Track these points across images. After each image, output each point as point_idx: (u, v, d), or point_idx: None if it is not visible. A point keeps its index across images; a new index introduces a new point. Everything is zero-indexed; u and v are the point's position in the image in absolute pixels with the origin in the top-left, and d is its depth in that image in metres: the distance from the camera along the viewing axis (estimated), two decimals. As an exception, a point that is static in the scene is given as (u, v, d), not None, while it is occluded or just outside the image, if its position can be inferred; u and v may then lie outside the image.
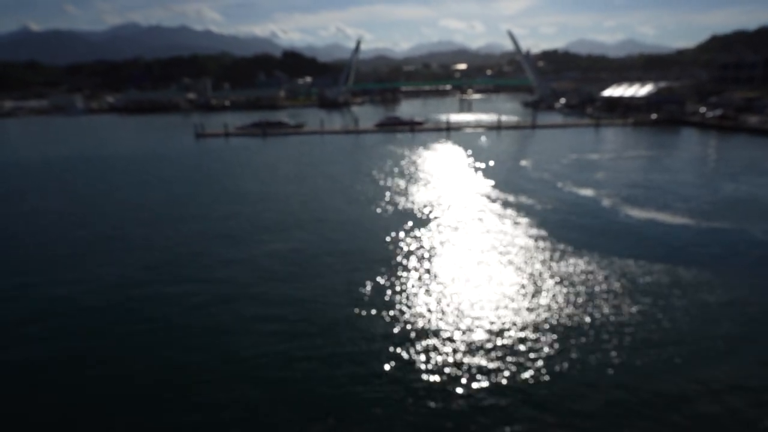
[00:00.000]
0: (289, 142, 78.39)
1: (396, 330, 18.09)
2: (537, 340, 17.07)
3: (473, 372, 15.41)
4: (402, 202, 36.86)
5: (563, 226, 29.87)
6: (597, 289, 20.99)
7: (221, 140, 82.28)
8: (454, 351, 16.57)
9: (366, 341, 17.42)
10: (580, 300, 20.00)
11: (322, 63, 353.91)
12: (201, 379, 15.54)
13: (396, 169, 50.35)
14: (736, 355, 16.08)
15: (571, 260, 24.13)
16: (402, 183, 43.68)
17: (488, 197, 37.53)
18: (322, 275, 23.31)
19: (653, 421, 13.15)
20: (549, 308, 19.37)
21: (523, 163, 52.89)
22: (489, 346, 16.81)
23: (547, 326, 18.01)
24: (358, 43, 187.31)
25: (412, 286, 21.78)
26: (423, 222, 31.48)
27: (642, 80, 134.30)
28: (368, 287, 21.78)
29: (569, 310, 19.18)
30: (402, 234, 29.08)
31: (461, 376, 15.22)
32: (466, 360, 16.04)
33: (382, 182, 44.17)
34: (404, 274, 23.17)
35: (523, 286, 21.43)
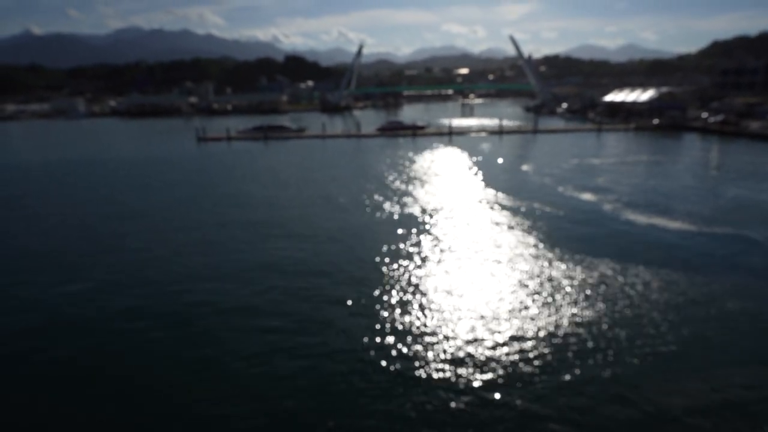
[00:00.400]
0: (291, 146, 78.47)
1: (395, 331, 18.00)
2: (535, 344, 16.99)
3: (472, 376, 15.32)
4: (403, 206, 36.81)
5: (564, 230, 29.80)
6: (596, 293, 20.91)
7: (223, 144, 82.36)
8: (454, 354, 16.48)
9: (366, 344, 17.34)
10: (579, 304, 19.92)
11: (324, 67, 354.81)
12: (193, 388, 15.46)
13: (397, 174, 50.33)
14: (738, 360, 15.98)
15: (571, 265, 24.05)
16: (403, 188, 43.65)
17: (489, 202, 37.47)
18: (321, 280, 23.21)
19: (651, 423, 13.10)
20: (548, 312, 19.29)
21: (525, 167, 52.87)
22: (488, 349, 16.71)
23: (546, 330, 17.93)
24: (360, 47, 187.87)
25: (412, 291, 21.70)
26: (424, 226, 31.43)
27: (644, 85, 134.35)
28: (368, 292, 21.68)
29: (569, 314, 19.09)
30: (403, 238, 29.00)
31: (461, 379, 15.14)
32: (465, 364, 15.95)
33: (383, 187, 44.13)
34: (404, 278, 23.08)
35: (522, 291, 21.34)
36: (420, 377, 15.56)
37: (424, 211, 35.42)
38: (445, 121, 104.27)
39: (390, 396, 14.71)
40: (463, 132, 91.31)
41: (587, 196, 38.62)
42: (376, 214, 34.87)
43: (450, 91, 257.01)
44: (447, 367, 16.04)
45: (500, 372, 15.66)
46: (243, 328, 19.00)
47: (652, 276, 22.61)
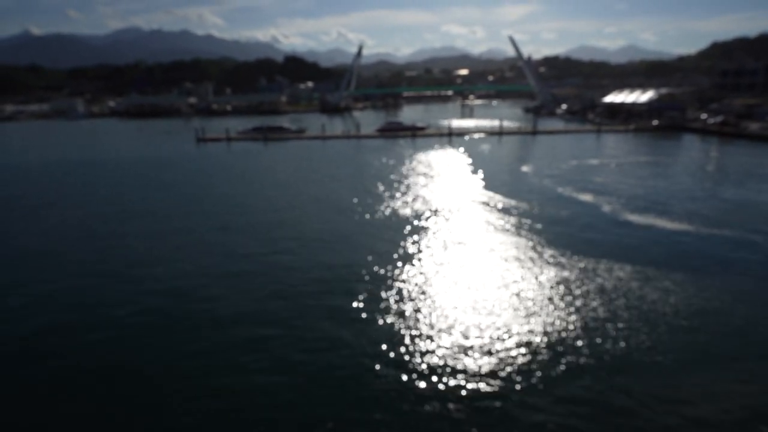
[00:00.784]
0: (291, 147, 78.44)
1: (395, 333, 18.00)
2: (534, 345, 16.99)
3: (470, 377, 15.31)
4: (402, 207, 36.80)
5: (563, 231, 29.81)
6: (594, 293, 20.91)
7: (222, 145, 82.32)
8: (451, 355, 16.47)
9: (365, 345, 17.33)
10: (577, 305, 19.92)
11: (324, 68, 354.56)
12: (190, 389, 15.45)
13: (397, 175, 50.31)
14: (735, 360, 15.98)
15: (570, 265, 24.04)
16: (403, 189, 43.63)
17: (489, 203, 37.46)
18: (321, 281, 23.21)
19: (649, 425, 13.09)
20: (547, 313, 19.29)
21: (524, 168, 52.87)
22: (487, 351, 16.70)
23: (544, 330, 17.94)
24: (360, 48, 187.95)
25: (411, 292, 21.68)
26: (423, 227, 31.41)
27: (643, 86, 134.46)
28: (367, 294, 21.68)
29: (567, 314, 19.09)
30: (401, 239, 28.99)
31: (460, 380, 15.12)
32: (463, 365, 15.94)
33: (382, 188, 44.11)
34: (403, 278, 23.07)
35: (521, 291, 21.34)
36: (419, 378, 15.54)
37: (423, 212, 35.39)
38: (445, 122, 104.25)
39: (388, 396, 14.69)
40: (462, 133, 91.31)
41: (586, 197, 38.62)
42: (375, 216, 34.84)
43: (450, 92, 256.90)
44: (444, 368, 16.02)
45: (498, 372, 15.64)
46: (242, 328, 18.98)
47: (651, 276, 22.60)
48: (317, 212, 36.17)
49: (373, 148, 74.48)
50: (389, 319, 19.34)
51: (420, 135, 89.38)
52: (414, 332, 18.32)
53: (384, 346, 17.39)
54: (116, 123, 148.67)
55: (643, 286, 21.67)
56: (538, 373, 15.58)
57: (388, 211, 35.77)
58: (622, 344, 17.08)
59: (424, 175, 50.39)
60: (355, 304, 20.71)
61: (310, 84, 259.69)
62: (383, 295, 21.57)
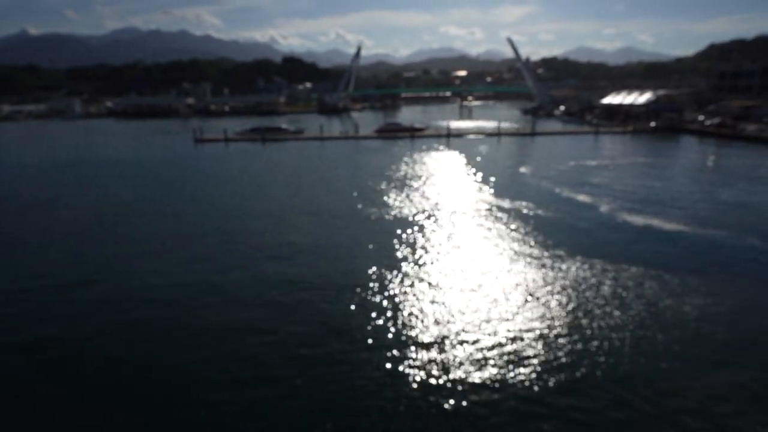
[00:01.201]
0: (289, 148, 78.38)
1: (394, 334, 17.98)
2: (531, 346, 16.99)
3: (469, 377, 15.30)
4: (401, 208, 36.79)
5: (560, 231, 29.84)
6: (592, 294, 20.94)
7: (220, 146, 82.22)
8: (450, 355, 16.46)
9: (364, 347, 17.31)
10: (574, 305, 19.94)
11: (322, 69, 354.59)
12: (188, 390, 15.42)
13: (395, 176, 50.31)
14: (730, 362, 15.99)
15: (567, 265, 24.06)
16: (401, 190, 43.62)
17: (487, 203, 37.48)
18: (318, 283, 23.17)
19: (648, 423, 13.11)
20: (544, 313, 19.30)
21: (522, 169, 52.91)
22: (485, 351, 16.70)
23: (541, 331, 17.94)
24: (358, 48, 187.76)
25: (410, 292, 21.67)
26: (421, 229, 31.40)
27: (641, 88, 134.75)
28: (365, 294, 21.66)
29: (564, 315, 19.10)
30: (400, 239, 28.98)
31: (457, 380, 15.11)
32: (461, 364, 15.92)
33: (380, 189, 44.10)
34: (401, 280, 23.07)
35: (519, 291, 21.35)
36: (417, 378, 15.53)
37: (421, 213, 35.39)
38: (443, 123, 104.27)
39: (387, 397, 14.68)
40: (461, 134, 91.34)
41: (584, 198, 38.67)
42: (373, 217, 34.83)
43: (448, 93, 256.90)
44: (443, 368, 16.01)
45: (496, 372, 15.63)
46: (241, 329, 18.96)
47: (648, 277, 22.64)
48: (316, 213, 36.12)
49: (372, 148, 74.48)
50: (387, 321, 19.32)
51: (418, 136, 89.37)
52: (412, 333, 18.31)
53: (383, 347, 17.38)
54: (114, 123, 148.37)
55: (640, 287, 21.70)
56: (536, 373, 15.57)
57: (385, 213, 35.75)
58: (618, 345, 17.09)
59: (423, 176, 50.39)
60: (350, 308, 20.68)
61: (308, 85, 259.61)
62: (380, 296, 21.54)
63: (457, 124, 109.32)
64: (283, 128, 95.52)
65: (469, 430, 13.32)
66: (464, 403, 14.34)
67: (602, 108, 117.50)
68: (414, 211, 35.94)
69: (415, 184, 45.83)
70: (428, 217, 34.06)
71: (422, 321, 19.21)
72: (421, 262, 25.51)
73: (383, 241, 28.87)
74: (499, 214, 34.39)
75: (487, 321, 19.00)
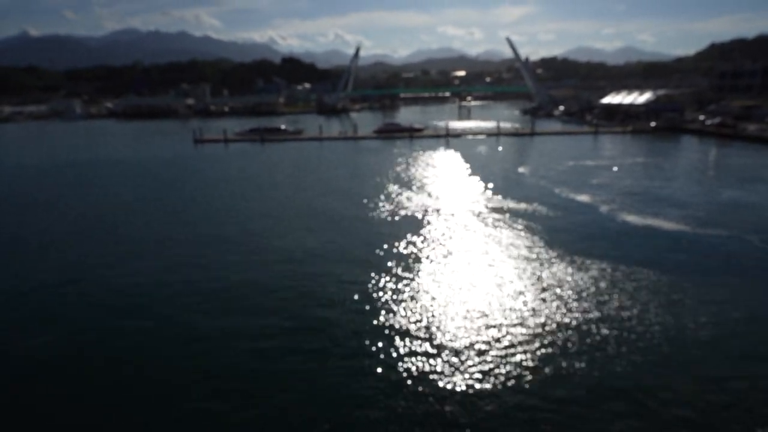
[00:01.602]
0: (288, 148, 78.25)
1: (394, 334, 17.84)
2: (528, 345, 16.86)
3: (467, 376, 15.16)
4: (400, 208, 36.64)
5: (560, 231, 29.71)
6: (590, 294, 20.83)
7: (220, 146, 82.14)
8: (449, 355, 16.32)
9: (364, 347, 17.17)
10: (574, 305, 19.81)
11: (321, 69, 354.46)
12: (186, 389, 15.25)
13: (394, 176, 50.17)
14: (731, 362, 15.85)
15: (566, 265, 23.92)
16: (400, 190, 43.48)
17: (485, 203, 37.32)
18: (316, 284, 23.04)
19: (646, 423, 12.99)
20: (541, 313, 19.19)
21: (521, 169, 52.77)
22: (483, 350, 16.56)
23: (538, 331, 17.85)
24: (357, 49, 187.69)
25: (409, 292, 21.53)
26: (420, 228, 31.26)
27: (641, 88, 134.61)
28: (365, 294, 21.54)
29: (563, 314, 18.97)
30: (399, 240, 28.84)
31: (455, 380, 14.97)
32: (462, 365, 15.78)
33: (379, 189, 43.96)
34: (401, 280, 22.92)
35: (517, 291, 21.26)
36: (416, 379, 15.38)
37: (420, 213, 35.26)
38: (443, 124, 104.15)
39: (387, 397, 14.53)
40: (460, 134, 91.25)
41: (583, 198, 38.52)
42: (371, 216, 34.70)
43: (447, 94, 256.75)
44: (442, 368, 15.86)
45: (495, 372, 15.50)
46: (240, 329, 18.83)
47: (647, 276, 22.53)
48: (315, 214, 35.98)
49: (371, 149, 74.36)
50: (386, 321, 19.17)
51: (417, 136, 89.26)
52: (411, 333, 18.16)
53: (383, 347, 17.23)
54: (113, 124, 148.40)
55: (639, 287, 21.56)
56: (533, 373, 15.44)
57: (383, 213, 35.60)
58: (619, 342, 16.99)
59: (421, 176, 50.25)
60: (354, 298, 20.58)
61: (307, 85, 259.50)
62: (379, 296, 21.41)
63: (456, 125, 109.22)
64: (282, 129, 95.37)
65: (468, 429, 13.18)
66: (463, 403, 14.19)
67: (602, 108, 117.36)
68: (412, 211, 35.78)
69: (414, 185, 45.67)
70: (427, 218, 33.90)
71: (420, 321, 19.07)
72: (419, 262, 25.36)
73: (382, 242, 28.71)
74: (498, 215, 34.22)
75: (486, 321, 18.85)
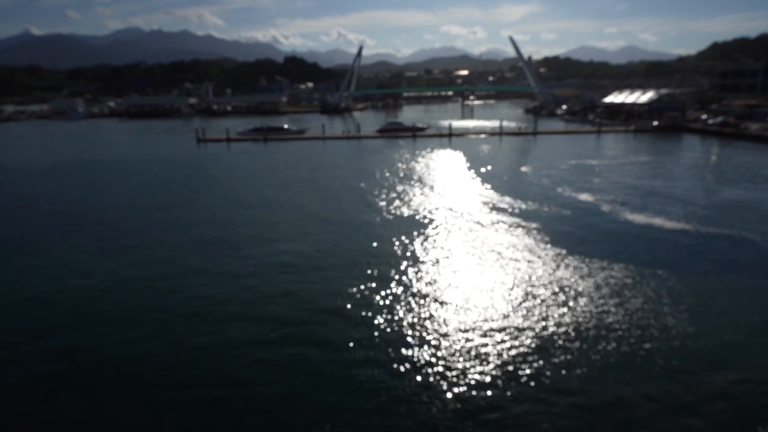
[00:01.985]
0: (291, 147, 78.46)
1: (394, 334, 18.02)
2: (529, 344, 17.00)
3: (469, 376, 15.33)
4: (402, 207, 36.83)
5: (561, 230, 29.85)
6: (591, 293, 20.94)
7: (222, 145, 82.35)
8: (449, 355, 16.49)
9: (362, 347, 17.35)
10: (573, 304, 19.94)
11: (324, 68, 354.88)
12: (185, 389, 15.46)
13: (397, 175, 50.35)
14: (731, 360, 15.99)
15: (567, 264, 24.06)
16: (403, 189, 43.66)
17: (488, 203, 37.49)
18: (317, 284, 23.21)
19: (644, 422, 13.14)
20: (542, 311, 19.32)
21: (524, 169, 52.90)
22: (484, 349, 16.72)
23: (539, 329, 17.96)
24: (360, 48, 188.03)
25: (410, 291, 21.70)
26: (423, 227, 31.43)
27: (643, 87, 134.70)
28: (366, 294, 21.70)
29: (562, 313, 19.11)
30: (401, 238, 29.01)
31: (457, 379, 15.14)
32: (461, 364, 15.96)
33: (382, 188, 44.14)
34: (401, 279, 23.09)
35: (517, 290, 21.36)
36: (414, 379, 15.56)
37: (423, 212, 35.42)
38: (445, 123, 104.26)
39: (386, 397, 14.71)
40: (462, 133, 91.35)
41: (586, 197, 38.65)
42: (374, 216, 34.86)
43: (450, 93, 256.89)
44: (442, 367, 16.04)
45: (494, 372, 15.65)
46: (238, 329, 19.01)
47: (649, 276, 22.63)
48: (318, 213, 36.15)
49: (374, 148, 74.52)
50: (387, 320, 19.35)
51: (420, 135, 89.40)
52: (411, 333, 18.34)
53: (382, 346, 17.42)
54: (116, 123, 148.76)
55: (641, 286, 21.69)
56: (533, 373, 15.59)
57: (386, 212, 35.78)
58: (617, 344, 17.10)
59: (424, 176, 50.41)
60: (354, 298, 20.74)
61: (310, 84, 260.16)
62: (380, 295, 21.58)
63: (458, 124, 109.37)
64: (285, 128, 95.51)
65: (467, 429, 13.34)
66: (461, 403, 14.36)
67: (604, 107, 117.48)
68: (415, 210, 35.96)
69: (417, 184, 45.84)
70: (428, 218, 34.07)
71: (422, 320, 19.22)
72: (421, 261, 25.52)
73: (383, 241, 28.90)
74: (500, 214, 34.38)
75: (487, 319, 19.02)
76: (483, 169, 52.52)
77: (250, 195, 43.09)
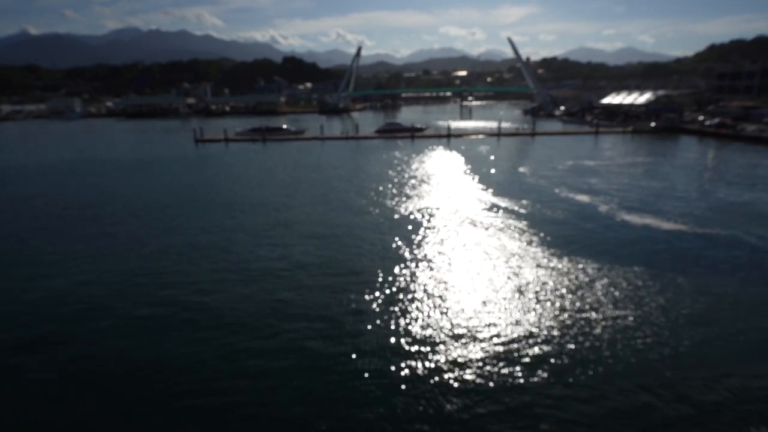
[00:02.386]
0: (289, 148, 78.48)
1: (391, 334, 18.12)
2: (525, 344, 17.12)
3: (467, 375, 15.44)
4: (400, 208, 36.93)
5: (559, 230, 29.97)
6: (587, 293, 21.06)
7: (221, 146, 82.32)
8: (447, 354, 16.59)
9: (361, 347, 17.44)
10: (570, 304, 20.06)
11: (323, 69, 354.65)
12: (185, 388, 15.55)
13: (395, 176, 50.44)
14: (726, 361, 16.11)
15: (564, 265, 24.19)
16: (401, 189, 43.76)
17: (485, 203, 37.61)
18: (315, 284, 23.30)
19: (642, 421, 13.24)
20: (539, 312, 19.44)
21: (522, 169, 53.03)
22: (481, 349, 16.83)
23: (536, 329, 18.08)
24: (359, 49, 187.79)
25: (407, 292, 21.80)
26: (420, 228, 31.53)
27: (641, 88, 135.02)
28: (364, 295, 21.79)
29: (559, 314, 19.23)
30: (399, 240, 29.12)
31: (456, 379, 15.25)
32: (459, 363, 16.06)
33: (380, 189, 44.24)
34: (400, 280, 23.19)
35: (516, 290, 21.48)
36: (413, 379, 15.66)
37: (421, 213, 35.53)
38: (444, 124, 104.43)
39: (384, 397, 14.81)
40: (461, 134, 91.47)
41: (583, 198, 38.79)
42: (371, 216, 34.96)
43: (448, 94, 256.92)
44: (441, 366, 16.14)
45: (492, 371, 15.76)
46: (237, 329, 19.08)
47: (646, 276, 22.76)
48: (316, 214, 36.24)
49: (372, 149, 74.59)
50: (384, 320, 19.45)
51: (419, 136, 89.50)
52: (409, 332, 18.45)
53: (381, 346, 17.52)
54: (114, 123, 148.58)
55: (637, 286, 21.81)
56: (531, 371, 15.71)
57: (384, 213, 35.88)
58: (613, 343, 17.22)
59: (423, 176, 50.52)
60: (352, 298, 20.84)
61: (308, 85, 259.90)
62: (377, 295, 21.67)
63: (457, 125, 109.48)
64: (283, 128, 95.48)
65: (466, 428, 13.45)
66: (459, 402, 14.46)
67: (602, 108, 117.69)
68: (413, 211, 36.07)
69: (415, 185, 45.95)
70: (427, 217, 34.18)
71: (419, 320, 19.32)
72: (419, 261, 25.62)
73: (380, 241, 29.00)
74: (498, 215, 34.51)
75: (484, 319, 19.12)
76: (481, 170, 52.64)
77: (248, 195, 43.11)
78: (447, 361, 16.40)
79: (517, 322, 18.82)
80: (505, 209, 35.76)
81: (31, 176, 55.70)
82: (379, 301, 21.05)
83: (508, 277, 23.18)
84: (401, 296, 21.45)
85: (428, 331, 18.35)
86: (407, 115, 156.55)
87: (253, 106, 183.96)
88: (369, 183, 46.84)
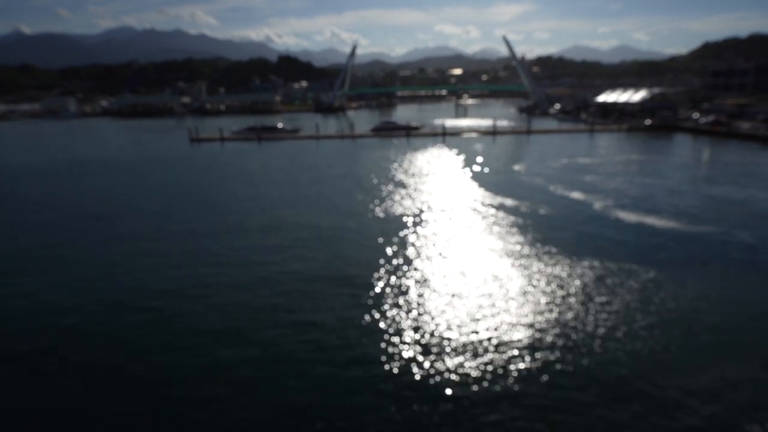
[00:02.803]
0: (285, 147, 78.37)
1: (389, 335, 18.10)
2: (521, 341, 17.13)
3: (465, 375, 15.44)
4: (395, 206, 36.92)
5: (553, 228, 30.01)
6: (582, 290, 21.09)
7: (216, 145, 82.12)
8: (444, 353, 16.59)
9: (358, 349, 17.42)
10: (564, 301, 20.08)
11: (318, 67, 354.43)
12: (185, 387, 15.51)
13: (391, 174, 50.42)
14: (719, 355, 16.16)
15: (558, 262, 24.21)
16: (396, 188, 43.75)
17: (480, 201, 37.63)
18: (307, 288, 23.27)
19: (640, 420, 13.27)
20: (533, 309, 19.46)
21: (517, 167, 53.10)
22: (477, 348, 16.83)
23: (530, 326, 18.09)
24: (354, 47, 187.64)
25: (403, 290, 21.79)
26: (416, 226, 31.53)
27: (636, 86, 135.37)
28: (361, 295, 21.76)
29: (553, 310, 19.24)
30: (394, 238, 29.10)
31: (455, 379, 15.25)
32: (456, 362, 16.06)
33: (376, 188, 44.22)
34: (395, 279, 23.18)
35: (510, 289, 21.48)
36: (411, 379, 15.66)
37: (416, 211, 35.52)
38: (439, 122, 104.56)
39: (382, 396, 14.80)
40: (456, 132, 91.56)
41: (578, 195, 38.86)
42: (367, 215, 34.94)
43: (444, 92, 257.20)
44: (438, 366, 16.14)
45: (491, 370, 15.76)
46: (236, 328, 19.03)
47: (640, 273, 22.80)
48: (311, 213, 36.19)
49: (368, 147, 74.55)
50: (380, 319, 19.43)
51: (414, 134, 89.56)
52: (405, 331, 18.44)
53: (379, 345, 17.51)
54: (108, 122, 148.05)
55: (632, 283, 21.85)
56: (530, 370, 15.72)
57: (379, 211, 35.87)
58: (609, 340, 17.25)
59: (418, 174, 50.52)
60: (350, 298, 20.81)
61: (304, 83, 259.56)
62: (373, 294, 21.66)
63: (452, 123, 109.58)
64: (279, 127, 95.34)
65: (465, 428, 13.45)
66: (458, 402, 14.47)
67: (597, 106, 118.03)
68: (408, 209, 36.06)
69: (411, 183, 45.94)
70: (422, 216, 34.19)
71: (414, 318, 19.31)
72: (414, 259, 25.62)
73: (375, 240, 28.98)
74: (492, 213, 34.54)
75: (479, 317, 19.12)
76: (477, 168, 52.69)
77: (242, 195, 43.00)
78: (439, 364, 16.37)
79: (511, 320, 18.80)
80: (500, 207, 35.78)
81: (25, 176, 55.39)
82: (373, 301, 21.02)
83: (501, 276, 23.17)
84: (394, 297, 21.41)
85: (420, 333, 18.33)
86: (403, 114, 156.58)
87: (248, 105, 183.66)
88: (364, 182, 46.79)
